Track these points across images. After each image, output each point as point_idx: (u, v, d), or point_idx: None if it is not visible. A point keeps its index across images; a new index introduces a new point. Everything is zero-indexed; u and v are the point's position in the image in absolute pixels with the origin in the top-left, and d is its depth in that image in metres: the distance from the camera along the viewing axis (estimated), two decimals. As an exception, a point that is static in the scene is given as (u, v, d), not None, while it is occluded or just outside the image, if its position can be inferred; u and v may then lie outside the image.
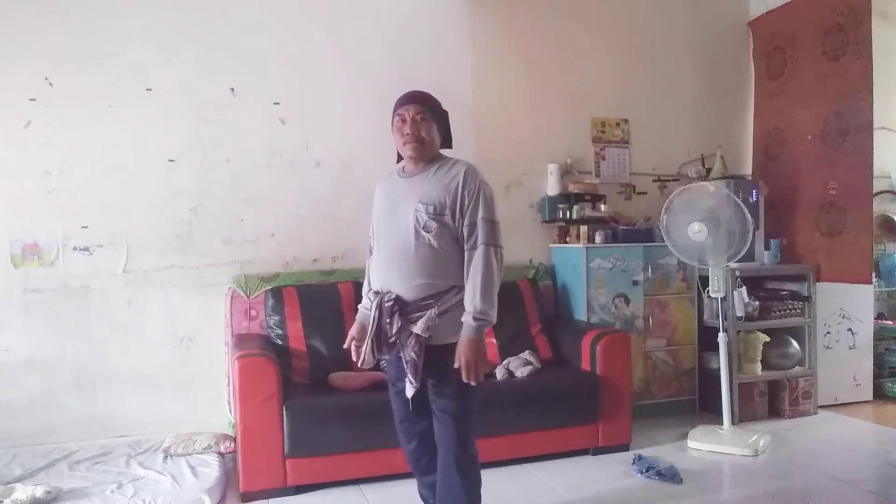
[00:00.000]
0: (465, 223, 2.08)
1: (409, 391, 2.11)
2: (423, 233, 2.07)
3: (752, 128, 4.59)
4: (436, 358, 2.07)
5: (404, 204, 2.13)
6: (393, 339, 2.07)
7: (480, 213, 2.07)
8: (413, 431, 2.29)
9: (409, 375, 2.07)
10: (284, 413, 2.83)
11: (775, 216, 4.28)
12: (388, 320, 2.08)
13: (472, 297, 2.03)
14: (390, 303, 2.08)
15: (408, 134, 2.12)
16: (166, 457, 3.03)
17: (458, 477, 2.10)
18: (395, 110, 2.18)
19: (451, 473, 2.12)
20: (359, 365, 2.17)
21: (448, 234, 2.09)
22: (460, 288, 2.09)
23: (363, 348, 2.13)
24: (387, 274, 2.15)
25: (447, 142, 2.25)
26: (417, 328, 2.05)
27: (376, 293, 2.16)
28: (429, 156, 2.17)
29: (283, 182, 3.63)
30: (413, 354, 2.05)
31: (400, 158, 2.24)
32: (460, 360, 2.02)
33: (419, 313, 2.07)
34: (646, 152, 4.34)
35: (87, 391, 3.35)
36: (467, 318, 2.02)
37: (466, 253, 2.09)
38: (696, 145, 4.46)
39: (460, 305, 2.07)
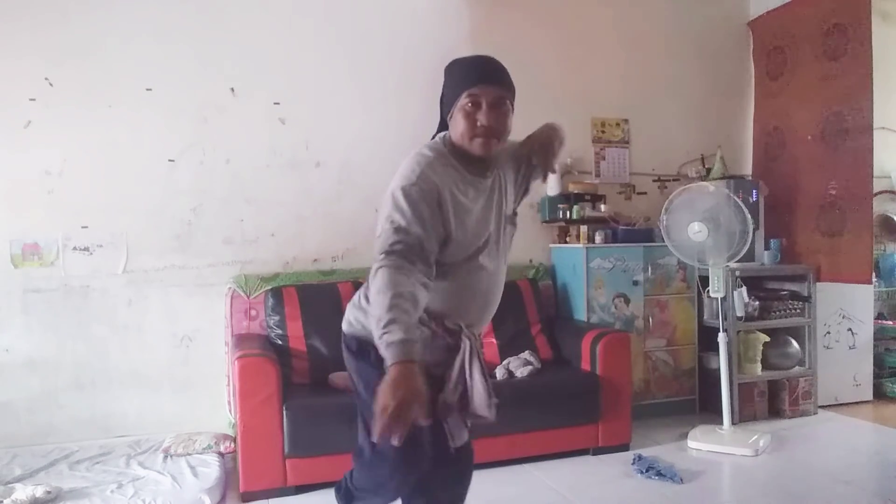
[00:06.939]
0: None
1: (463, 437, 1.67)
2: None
3: (752, 128, 4.59)
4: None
5: (495, 220, 1.63)
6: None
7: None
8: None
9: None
10: (284, 413, 2.83)
11: (775, 216, 4.27)
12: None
13: None
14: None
15: (483, 126, 1.55)
16: (166, 457, 3.03)
17: None
18: (463, 85, 1.56)
19: None
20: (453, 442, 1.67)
21: None
22: None
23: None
24: (480, 313, 1.68)
25: None
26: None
27: (450, 328, 1.62)
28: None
29: (283, 182, 3.63)
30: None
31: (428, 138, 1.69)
32: None
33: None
34: (646, 152, 4.35)
35: (87, 391, 3.35)
36: None
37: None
38: (696, 145, 4.46)
39: None
